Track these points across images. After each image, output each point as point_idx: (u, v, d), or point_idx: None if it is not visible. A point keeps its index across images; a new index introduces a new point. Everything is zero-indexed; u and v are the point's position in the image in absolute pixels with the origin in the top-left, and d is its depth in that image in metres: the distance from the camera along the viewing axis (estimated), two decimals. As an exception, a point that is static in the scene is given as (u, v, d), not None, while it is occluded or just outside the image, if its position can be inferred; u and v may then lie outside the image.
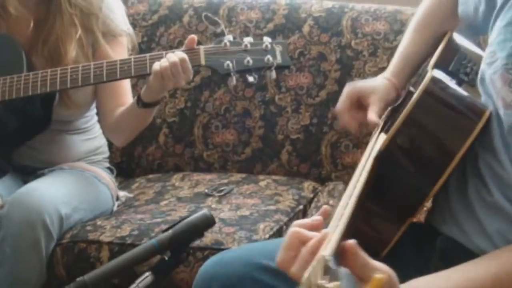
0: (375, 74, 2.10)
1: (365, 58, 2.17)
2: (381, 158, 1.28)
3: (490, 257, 1.17)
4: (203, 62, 1.78)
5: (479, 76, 1.35)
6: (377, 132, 1.47)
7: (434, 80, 1.33)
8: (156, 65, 1.73)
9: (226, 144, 2.23)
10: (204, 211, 1.28)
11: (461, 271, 1.14)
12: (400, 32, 2.16)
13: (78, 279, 1.14)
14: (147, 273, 1.20)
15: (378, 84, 1.54)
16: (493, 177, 1.27)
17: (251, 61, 1.76)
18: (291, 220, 1.89)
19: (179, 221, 1.24)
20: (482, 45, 1.97)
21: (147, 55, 1.80)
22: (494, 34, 1.32)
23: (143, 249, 1.21)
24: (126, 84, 1.96)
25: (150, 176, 2.23)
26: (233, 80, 1.78)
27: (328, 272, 0.78)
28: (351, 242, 0.94)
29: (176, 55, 1.74)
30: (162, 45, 2.28)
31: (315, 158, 2.18)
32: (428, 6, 1.64)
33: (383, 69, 2.09)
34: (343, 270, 0.82)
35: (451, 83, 1.39)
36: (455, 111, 1.33)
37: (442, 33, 1.59)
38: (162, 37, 2.30)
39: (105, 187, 1.99)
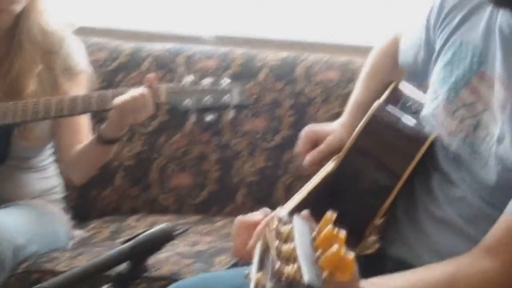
0: (328, 119, 2.17)
1: (318, 105, 2.24)
2: (332, 178, 1.35)
3: (446, 262, 1.21)
4: (163, 99, 1.83)
5: (422, 114, 1.45)
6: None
7: (380, 107, 1.42)
8: (118, 100, 1.76)
9: (182, 187, 2.26)
10: (164, 224, 1.30)
11: (417, 272, 1.20)
12: (351, 80, 2.24)
13: (36, 286, 1.14)
14: (106, 285, 1.21)
15: (334, 128, 1.63)
16: (446, 195, 1.35)
17: (210, 100, 1.81)
18: (247, 256, 1.91)
19: (140, 234, 1.26)
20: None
21: (109, 90, 1.84)
22: (435, 75, 1.43)
23: (104, 259, 1.22)
24: (85, 121, 1.99)
25: (106, 218, 2.22)
26: (192, 118, 1.83)
27: (281, 221, 0.80)
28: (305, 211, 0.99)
29: (137, 91, 1.79)
30: (121, 91, 2.32)
31: (270, 201, 2.21)
32: (376, 57, 1.75)
33: (335, 114, 2.18)
34: (296, 217, 0.83)
35: (397, 111, 1.48)
36: (401, 135, 1.42)
37: (389, 82, 1.68)
38: (122, 83, 2.34)
39: (60, 224, 1.99)
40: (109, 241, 1.99)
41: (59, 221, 1.99)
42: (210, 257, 1.85)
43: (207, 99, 1.81)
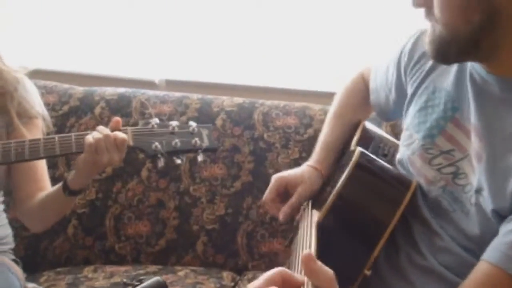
0: (288, 165, 2.17)
1: (277, 150, 2.21)
2: (318, 230, 1.31)
3: None
4: (131, 142, 1.73)
5: (397, 157, 1.45)
6: (307, 213, 1.50)
7: (363, 154, 1.41)
8: (89, 137, 1.66)
9: (139, 235, 2.17)
10: (158, 277, 1.25)
11: None
12: (309, 125, 2.24)
13: None
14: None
15: (304, 173, 1.61)
16: (427, 244, 1.34)
17: (179, 143, 1.74)
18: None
19: (136, 285, 1.20)
20: (387, 130, 2.12)
21: (72, 134, 1.75)
22: (409, 119, 1.44)
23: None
24: (44, 168, 1.87)
25: (59, 269, 2.10)
26: (161, 162, 1.75)
27: None
28: None
29: (103, 131, 1.70)
30: (73, 136, 2.23)
31: (231, 248, 2.15)
32: (342, 97, 1.76)
33: (295, 160, 2.17)
34: None
35: (377, 157, 1.48)
36: (385, 182, 1.41)
37: (357, 121, 1.70)
38: (73, 127, 2.25)
39: (14, 276, 1.86)
40: (68, 293, 1.87)
41: (13, 272, 1.86)
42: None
43: (176, 142, 1.75)
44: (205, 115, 2.26)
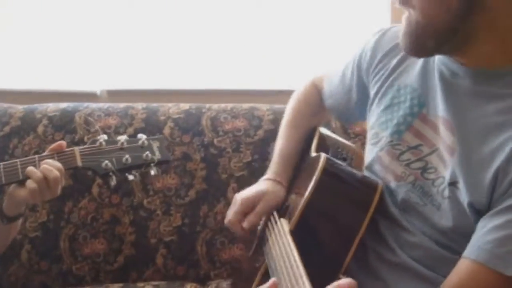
0: (241, 169, 2.15)
1: (229, 155, 2.19)
2: (293, 236, 1.30)
3: None
4: (79, 163, 1.68)
5: (365, 160, 1.46)
6: (273, 221, 1.49)
7: (328, 160, 1.42)
8: (31, 183, 1.58)
9: (96, 254, 2.11)
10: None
11: None
12: (259, 127, 2.22)
13: None
14: None
15: (266, 188, 1.59)
16: (398, 241, 1.34)
17: (129, 159, 1.70)
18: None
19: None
20: (336, 125, 2.12)
21: (18, 160, 1.68)
22: (374, 118, 1.45)
23: None
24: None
25: (15, 296, 2.04)
26: (114, 180, 1.70)
27: None
28: None
29: (52, 166, 1.63)
30: (17, 157, 2.12)
31: (191, 259, 2.12)
32: (296, 105, 1.77)
33: (248, 163, 2.15)
34: None
35: (342, 162, 1.48)
36: (353, 186, 1.43)
37: (312, 128, 1.72)
38: (16, 148, 2.17)
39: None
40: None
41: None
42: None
43: (127, 158, 1.70)
44: (152, 125, 2.21)
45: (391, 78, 1.43)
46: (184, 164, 2.18)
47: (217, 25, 2.55)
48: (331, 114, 1.74)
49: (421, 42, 1.24)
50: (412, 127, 1.35)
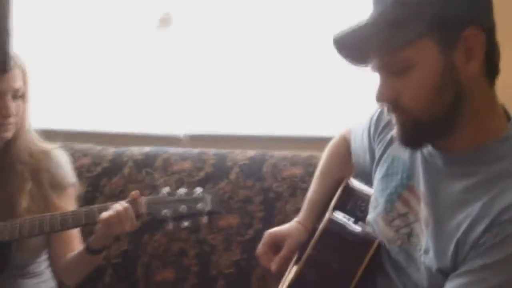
0: (295, 212, 2.37)
1: (285, 199, 2.41)
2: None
3: None
4: (144, 210, 2.01)
5: (367, 218, 1.62)
6: (290, 267, 1.73)
7: (330, 221, 1.61)
8: (104, 214, 1.95)
9: (166, 281, 2.42)
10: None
11: None
12: (313, 174, 2.44)
13: None
14: None
15: (292, 229, 1.81)
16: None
17: (185, 209, 2.01)
18: None
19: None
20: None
21: (95, 206, 2.04)
22: (375, 183, 1.60)
23: None
24: (76, 232, 2.17)
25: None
26: (170, 225, 2.03)
27: None
28: None
29: (120, 205, 1.99)
30: (105, 194, 2.52)
31: (246, 290, 2.38)
32: (328, 156, 1.92)
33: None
34: None
35: (346, 221, 1.65)
36: (350, 244, 1.59)
37: (341, 179, 1.85)
38: (105, 187, 2.53)
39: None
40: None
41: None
42: None
43: (183, 208, 2.00)
44: (220, 170, 2.50)
45: (388, 149, 1.56)
46: (245, 206, 2.44)
47: (284, 75, 2.72)
48: (355, 171, 1.85)
49: (419, 139, 1.36)
50: (402, 196, 1.48)
